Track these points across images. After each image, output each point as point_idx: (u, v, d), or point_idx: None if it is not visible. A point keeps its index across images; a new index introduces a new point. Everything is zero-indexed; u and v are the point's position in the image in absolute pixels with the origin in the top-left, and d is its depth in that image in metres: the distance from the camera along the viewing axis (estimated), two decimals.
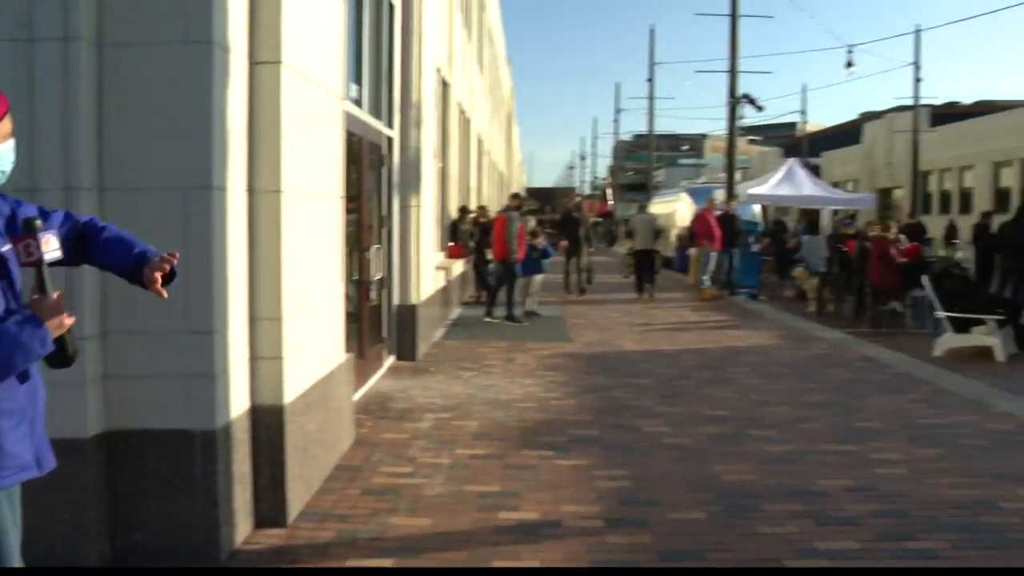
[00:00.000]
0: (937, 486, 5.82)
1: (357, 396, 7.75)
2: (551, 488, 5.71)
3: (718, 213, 19.82)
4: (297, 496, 5.10)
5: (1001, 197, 36.96)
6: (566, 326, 14.16)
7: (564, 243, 19.20)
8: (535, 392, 8.81)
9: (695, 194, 28.83)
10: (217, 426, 4.36)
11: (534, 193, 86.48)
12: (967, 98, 57.86)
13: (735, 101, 22.25)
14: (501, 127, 38.11)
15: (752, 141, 67.60)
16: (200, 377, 4.32)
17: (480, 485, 5.75)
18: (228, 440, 4.46)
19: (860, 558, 4.62)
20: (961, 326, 11.67)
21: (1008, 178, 37.33)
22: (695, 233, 20.28)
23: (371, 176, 9.04)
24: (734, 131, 23.24)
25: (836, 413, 8.00)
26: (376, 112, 9.23)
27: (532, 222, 18.08)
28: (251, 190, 4.80)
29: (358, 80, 8.29)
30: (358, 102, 8.23)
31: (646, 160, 50.61)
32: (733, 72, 22.35)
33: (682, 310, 17.09)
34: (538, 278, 15.96)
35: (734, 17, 22.18)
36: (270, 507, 4.87)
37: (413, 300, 10.48)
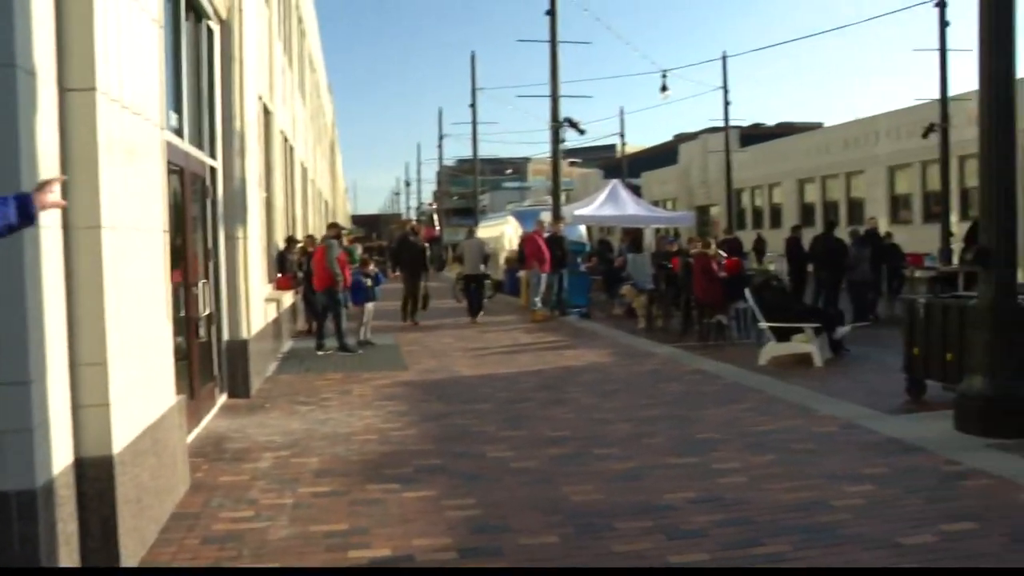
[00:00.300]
0: (775, 491, 6.03)
1: (190, 438, 7.37)
2: (400, 522, 5.57)
3: (547, 235, 20.13)
4: (131, 551, 4.76)
5: (807, 211, 39.28)
6: (401, 354, 14.00)
7: (396, 273, 18.97)
8: (375, 424, 8.63)
9: (521, 217, 29.25)
10: (37, 485, 4.00)
11: (359, 220, 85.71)
12: (770, 120, 61.37)
13: (557, 125, 22.68)
14: (325, 155, 37.59)
15: (573, 163, 69.26)
16: (15, 432, 3.96)
17: (327, 524, 5.55)
18: (51, 499, 4.11)
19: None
20: (782, 335, 12.23)
21: (811, 194, 39.72)
22: (525, 255, 20.49)
23: (195, 208, 8.66)
24: (558, 154, 23.69)
25: (675, 426, 8.19)
26: (198, 142, 8.87)
27: (360, 250, 17.85)
28: (67, 227, 4.47)
29: (178, 109, 7.93)
30: (179, 131, 7.87)
31: (471, 185, 51.01)
32: (554, 97, 22.81)
33: (516, 332, 17.21)
34: (370, 306, 15.73)
35: (553, 43, 22.65)
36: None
37: (244, 335, 10.10)
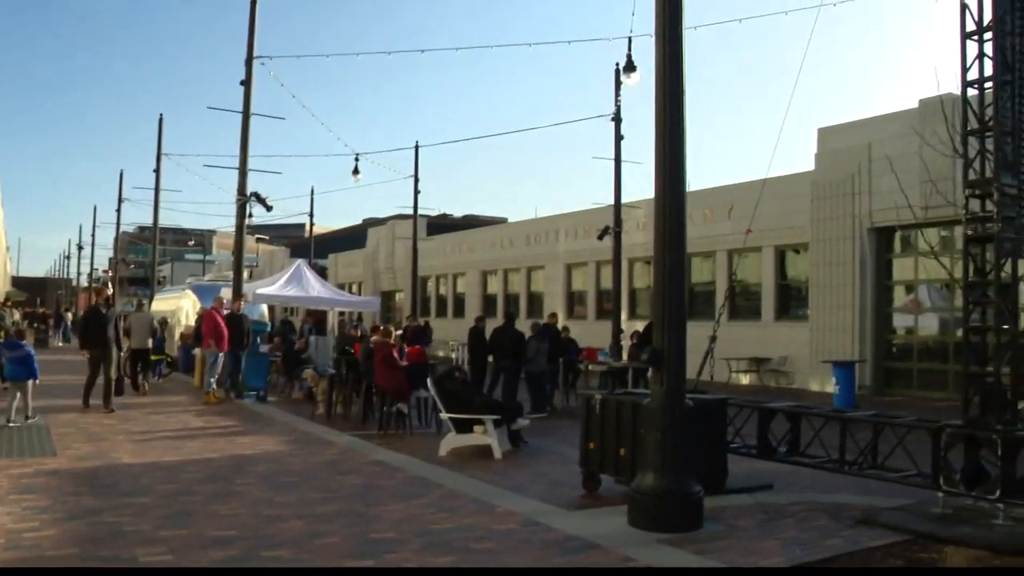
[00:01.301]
0: None
1: None
2: None
3: (226, 312, 19.26)
4: None
5: (489, 302, 40.58)
6: (51, 437, 12.52)
7: (86, 347, 16.69)
8: (5, 524, 7.45)
9: (200, 291, 27.91)
10: None
11: (22, 283, 78.75)
12: (457, 211, 63.52)
13: (244, 199, 21.86)
14: None
15: (260, 239, 67.70)
16: None
17: None
18: None
19: None
20: (462, 426, 12.15)
21: (494, 285, 41.16)
22: (202, 333, 19.41)
23: None
24: (242, 229, 22.79)
25: (352, 524, 7.73)
26: None
27: (16, 316, 16.05)
28: None
29: None
30: None
31: (150, 253, 48.18)
32: (243, 169, 22.00)
33: (186, 415, 16.05)
34: (29, 382, 14.04)
35: (246, 114, 21.94)
36: None
37: None
